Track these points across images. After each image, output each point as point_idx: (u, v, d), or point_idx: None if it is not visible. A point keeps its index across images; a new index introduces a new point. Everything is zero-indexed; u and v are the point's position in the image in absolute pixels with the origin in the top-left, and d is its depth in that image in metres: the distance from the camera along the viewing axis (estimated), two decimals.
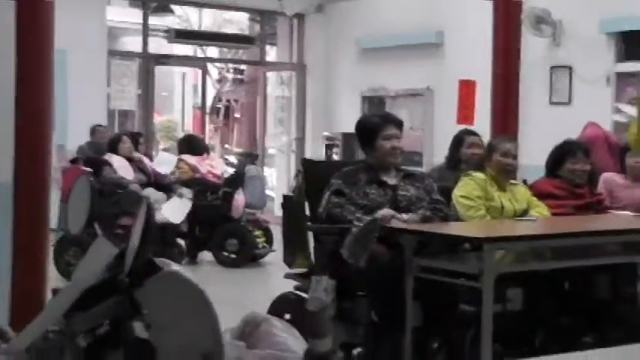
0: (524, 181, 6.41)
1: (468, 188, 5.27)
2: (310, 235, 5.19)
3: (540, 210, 5.44)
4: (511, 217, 5.32)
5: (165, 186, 9.17)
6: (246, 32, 16.85)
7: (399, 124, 5.16)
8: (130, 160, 9.12)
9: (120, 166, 8.90)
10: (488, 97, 11.04)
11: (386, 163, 5.03)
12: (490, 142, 5.63)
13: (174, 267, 2.31)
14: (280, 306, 5.11)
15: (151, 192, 8.78)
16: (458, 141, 6.28)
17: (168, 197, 8.98)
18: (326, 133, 12.63)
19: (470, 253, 4.71)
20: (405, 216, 4.84)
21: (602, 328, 5.46)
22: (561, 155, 5.74)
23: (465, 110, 10.88)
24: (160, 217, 8.47)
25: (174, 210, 8.84)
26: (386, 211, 4.79)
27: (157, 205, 8.58)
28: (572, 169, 5.71)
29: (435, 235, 4.78)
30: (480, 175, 5.36)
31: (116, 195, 8.35)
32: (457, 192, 5.29)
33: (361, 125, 5.20)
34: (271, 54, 15.06)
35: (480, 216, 5.19)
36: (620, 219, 5.38)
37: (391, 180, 5.04)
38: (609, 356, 2.18)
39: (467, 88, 10.96)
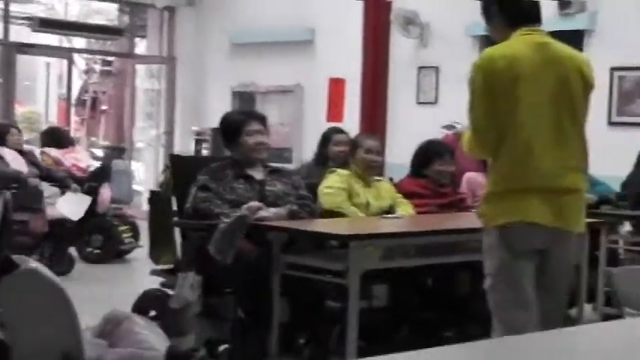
0: (391, 180, 6.52)
1: (330, 182, 5.35)
2: (177, 231, 5.14)
3: (405, 208, 5.54)
4: (376, 214, 5.40)
5: (58, 180, 8.80)
6: (115, 23, 16.51)
7: (262, 119, 5.18)
8: (20, 152, 8.67)
9: (12, 158, 8.42)
10: (358, 95, 11.21)
11: (251, 159, 5.04)
12: (354, 139, 5.71)
13: (33, 264, 2.23)
14: (145, 303, 5.02)
15: (45, 186, 8.41)
16: (326, 138, 6.34)
17: (62, 192, 8.63)
18: (195, 128, 12.51)
19: (337, 251, 4.75)
20: (272, 209, 4.84)
21: (463, 323, 5.61)
22: (428, 156, 5.85)
23: (335, 108, 10.99)
24: (55, 213, 8.17)
25: (71, 205, 8.54)
26: (253, 203, 4.79)
27: (51, 200, 8.27)
28: (438, 169, 5.84)
29: (303, 232, 4.80)
30: (344, 171, 5.44)
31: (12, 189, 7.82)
32: (321, 187, 5.37)
33: (225, 123, 5.19)
34: (141, 46, 14.81)
35: (342, 201, 5.26)
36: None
37: (258, 175, 5.05)
38: (469, 351, 2.23)
39: (336, 86, 11.08)
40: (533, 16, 3.81)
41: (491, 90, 3.65)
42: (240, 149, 5.04)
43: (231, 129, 5.10)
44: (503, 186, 3.70)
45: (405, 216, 5.46)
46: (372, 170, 5.55)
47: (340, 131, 6.49)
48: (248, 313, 4.73)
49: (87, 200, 8.69)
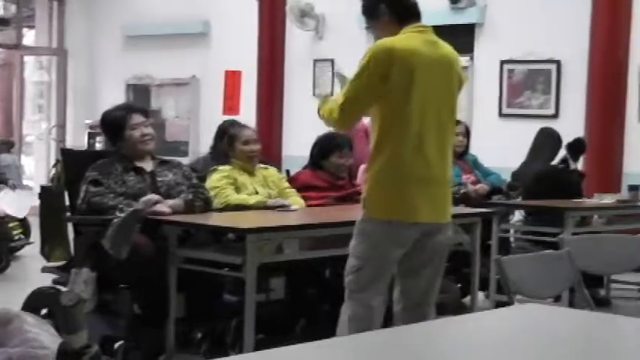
0: (288, 172, 6.53)
1: (213, 182, 5.31)
2: (70, 227, 5.04)
3: (295, 199, 5.54)
4: (266, 200, 5.38)
5: None
6: (1, 13, 16.03)
7: (143, 111, 5.17)
8: None
9: None
10: (254, 87, 11.18)
11: (139, 152, 4.99)
12: (230, 133, 5.66)
13: None
14: (36, 301, 4.91)
15: None
16: (222, 131, 6.26)
17: None
18: (88, 121, 12.30)
19: (233, 244, 4.73)
20: (170, 202, 4.80)
21: None
22: (328, 148, 5.87)
23: (231, 100, 10.93)
24: None
25: (13, 203, 8.21)
26: (151, 196, 4.73)
27: None
28: (338, 162, 5.87)
29: (199, 226, 4.77)
30: (225, 167, 5.42)
31: None
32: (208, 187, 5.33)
33: (106, 120, 5.14)
34: (29, 37, 14.43)
35: (228, 194, 5.25)
36: None
37: (148, 167, 5.01)
38: (365, 340, 2.25)
39: (232, 78, 11.02)
40: (417, 14, 3.94)
41: (384, 78, 3.74)
42: (127, 144, 5.00)
43: (113, 125, 5.07)
44: (388, 176, 3.80)
45: (300, 208, 5.47)
46: (252, 160, 5.55)
47: (238, 124, 6.36)
48: (144, 309, 4.67)
49: (31, 198, 8.37)
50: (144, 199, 4.72)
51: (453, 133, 3.98)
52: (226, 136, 5.71)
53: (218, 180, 5.30)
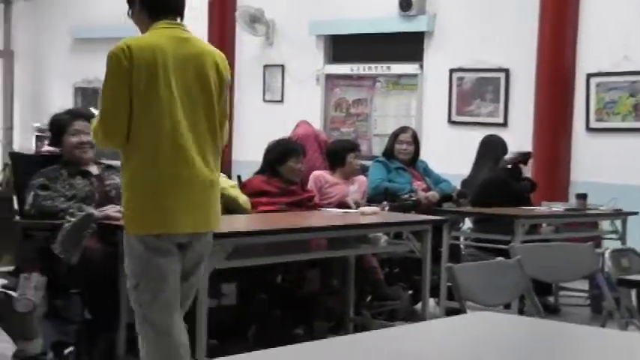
0: (239, 177, 6.52)
1: None
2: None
3: (237, 193, 5.51)
4: None
5: None
6: None
7: (89, 118, 5.09)
8: None
9: None
10: None
11: (75, 158, 4.95)
12: None
13: None
14: None
15: None
16: None
17: None
18: (37, 124, 12.14)
19: None
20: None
21: (312, 320, 5.68)
22: (284, 153, 5.88)
23: None
24: None
25: None
26: (111, 210, 4.66)
27: None
28: (294, 167, 5.87)
29: None
30: None
31: None
32: None
33: (51, 122, 5.15)
34: None
35: None
36: (328, 216, 5.61)
37: (94, 170, 4.98)
38: (317, 348, 2.26)
39: None
40: (172, 10, 3.85)
41: (128, 79, 3.63)
42: (65, 149, 4.98)
43: (55, 128, 5.07)
44: (142, 184, 3.68)
45: (255, 214, 5.47)
46: None
47: None
48: (95, 314, 4.63)
49: None
50: (106, 211, 4.66)
51: (214, 134, 3.81)
52: None
53: None
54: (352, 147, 6.63)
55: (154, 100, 3.64)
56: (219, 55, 3.88)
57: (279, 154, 5.88)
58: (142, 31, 3.83)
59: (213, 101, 3.80)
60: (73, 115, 5.13)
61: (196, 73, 3.75)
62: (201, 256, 3.88)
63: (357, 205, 6.08)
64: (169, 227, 3.68)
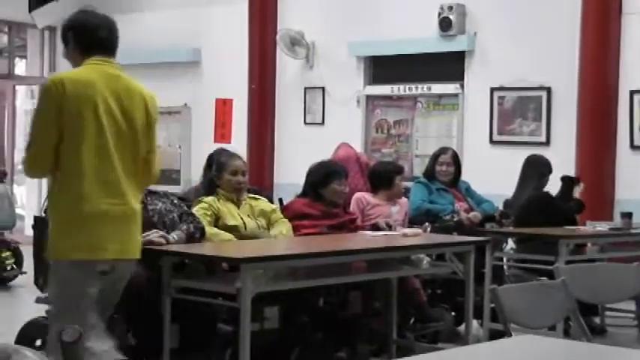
0: (280, 200, 6.52)
1: (197, 214, 5.26)
2: None
3: (279, 227, 5.51)
4: (257, 232, 5.37)
5: None
6: None
7: None
8: None
9: None
10: (245, 115, 11.21)
11: None
12: (219, 161, 5.62)
13: None
14: (30, 332, 4.89)
15: None
16: (211, 161, 6.19)
17: None
18: None
19: (228, 273, 4.72)
20: (174, 235, 4.78)
21: (354, 343, 5.65)
22: (326, 176, 5.88)
23: (222, 128, 10.95)
24: None
25: None
26: (154, 235, 4.69)
27: None
28: (338, 190, 5.87)
29: (194, 255, 4.76)
30: (209, 198, 5.39)
31: None
32: None
33: None
34: (20, 66, 14.45)
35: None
36: (370, 238, 5.58)
37: None
38: None
39: (223, 106, 11.05)
40: (106, 47, 4.00)
41: (59, 112, 3.78)
42: None
43: None
44: (71, 211, 3.81)
45: (292, 237, 5.46)
46: (238, 191, 5.52)
47: (229, 152, 6.31)
48: (138, 339, 4.65)
49: None
50: (148, 237, 4.68)
51: (138, 168, 3.98)
52: (214, 164, 5.68)
53: (197, 211, 5.28)
54: (399, 170, 6.64)
55: (83, 131, 3.80)
56: (148, 95, 4.08)
57: (323, 176, 5.88)
58: (74, 66, 4.00)
59: (139, 137, 3.98)
60: None
61: (125, 108, 3.93)
62: (120, 281, 4.00)
63: (389, 226, 6.04)
64: (93, 254, 3.82)
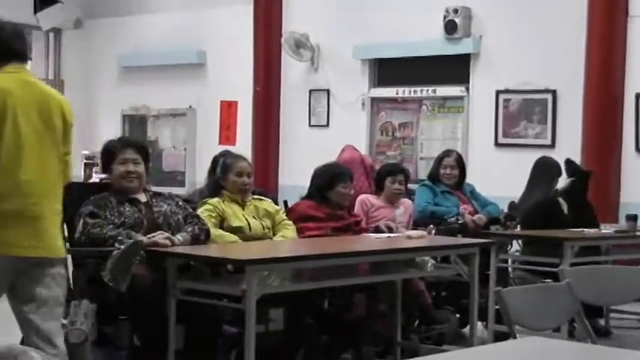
0: (285, 203, 6.54)
1: (202, 215, 5.27)
2: (68, 260, 5.03)
3: (286, 232, 5.52)
4: (261, 232, 5.39)
5: None
6: None
7: (140, 148, 5.15)
8: None
9: None
10: (250, 117, 11.23)
11: (121, 187, 4.99)
12: (224, 162, 5.64)
13: None
14: None
15: None
16: (216, 162, 6.20)
17: None
18: (85, 152, 12.31)
19: (233, 275, 4.73)
20: (179, 237, 4.80)
21: (359, 345, 5.66)
22: (332, 179, 5.89)
23: (227, 130, 10.98)
24: None
25: None
26: (159, 237, 4.71)
27: None
28: (343, 192, 5.89)
29: (198, 257, 4.77)
30: (213, 200, 5.41)
31: None
32: None
33: (102, 149, 5.23)
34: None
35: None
36: (375, 240, 5.58)
37: (142, 198, 5.03)
38: None
39: (228, 108, 11.08)
40: (20, 55, 4.08)
41: None
42: (112, 177, 5.04)
43: (105, 155, 5.14)
44: None
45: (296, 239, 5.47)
46: (244, 193, 5.54)
47: (232, 154, 6.29)
48: (144, 341, 4.66)
49: None
50: (154, 237, 4.70)
51: (58, 170, 4.06)
52: (219, 166, 5.69)
53: (201, 213, 5.29)
54: (391, 170, 6.64)
55: (3, 138, 3.88)
56: (63, 101, 4.17)
57: (328, 178, 5.89)
58: None
59: (57, 140, 4.05)
60: (122, 143, 5.19)
61: (42, 115, 4.01)
62: (38, 280, 3.96)
63: (390, 229, 6.04)
64: (6, 249, 3.87)
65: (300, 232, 5.60)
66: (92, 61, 13.27)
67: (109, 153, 5.09)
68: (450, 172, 6.95)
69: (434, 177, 7.01)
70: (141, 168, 5.07)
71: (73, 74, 13.51)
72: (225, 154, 6.11)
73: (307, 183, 6.05)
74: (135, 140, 5.48)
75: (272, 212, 5.57)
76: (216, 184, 5.63)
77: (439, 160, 7.06)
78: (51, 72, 13.59)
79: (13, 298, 3.97)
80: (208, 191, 5.76)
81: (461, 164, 7.06)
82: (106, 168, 5.16)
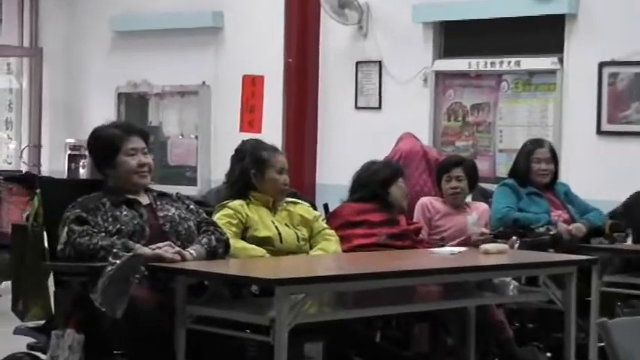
0: (326, 206, 6.56)
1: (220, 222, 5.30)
2: (51, 277, 5.09)
3: (326, 245, 5.54)
4: (295, 244, 5.41)
5: None
6: None
7: (144, 135, 5.18)
8: None
9: None
10: (280, 97, 11.25)
11: (131, 184, 5.02)
12: (258, 156, 5.65)
13: None
14: None
15: None
16: (243, 154, 6.21)
17: None
18: (70, 140, 12.43)
19: (259, 299, 4.77)
20: (192, 250, 4.83)
21: None
22: (392, 175, 5.92)
23: (250, 114, 11.02)
24: None
25: None
26: (167, 248, 4.75)
27: None
28: (402, 191, 5.92)
29: (215, 275, 4.81)
30: (235, 203, 5.43)
31: None
32: None
33: (99, 139, 5.15)
34: None
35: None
36: (440, 257, 5.58)
37: (143, 200, 5.05)
38: None
39: (252, 85, 11.11)
40: None
41: None
42: (118, 172, 5.03)
43: (107, 147, 5.09)
44: None
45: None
46: (282, 195, 5.58)
47: (265, 144, 6.32)
48: None
49: None
50: (159, 249, 4.74)
51: None
52: (250, 160, 5.69)
53: (219, 219, 5.31)
54: (443, 165, 6.70)
55: None
56: None
57: (386, 176, 5.94)
58: None
59: None
60: (124, 129, 5.19)
61: None
62: None
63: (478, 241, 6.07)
64: None
65: (345, 240, 5.64)
66: (79, 25, 13.38)
67: (112, 143, 5.08)
68: (546, 168, 6.92)
69: (522, 174, 6.96)
70: (151, 159, 5.11)
71: (54, 42, 13.64)
72: (255, 144, 6.12)
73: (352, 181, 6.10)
74: (137, 126, 5.49)
75: (309, 219, 5.60)
76: (244, 183, 5.62)
77: (528, 153, 7.00)
78: (26, 39, 13.74)
79: None
80: (232, 191, 5.75)
81: (555, 158, 7.03)
82: (106, 164, 5.11)
